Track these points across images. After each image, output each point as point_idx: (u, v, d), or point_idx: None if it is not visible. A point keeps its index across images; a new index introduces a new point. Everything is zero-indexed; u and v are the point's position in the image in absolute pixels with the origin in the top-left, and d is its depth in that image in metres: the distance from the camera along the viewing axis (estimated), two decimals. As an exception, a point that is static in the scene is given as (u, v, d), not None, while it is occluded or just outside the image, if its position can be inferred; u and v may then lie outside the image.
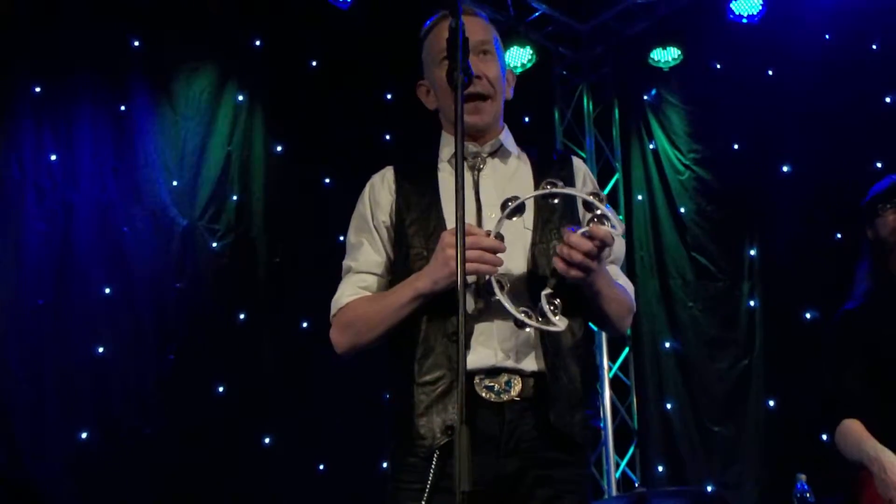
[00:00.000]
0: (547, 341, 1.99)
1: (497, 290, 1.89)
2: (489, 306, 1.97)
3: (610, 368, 6.39)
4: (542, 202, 2.04)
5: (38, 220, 4.67)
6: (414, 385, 1.99)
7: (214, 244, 5.29)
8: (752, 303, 6.01)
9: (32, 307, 4.56)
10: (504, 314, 1.91)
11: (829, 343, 3.01)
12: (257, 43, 5.74)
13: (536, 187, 2.05)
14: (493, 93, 2.17)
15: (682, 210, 6.37)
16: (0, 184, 4.58)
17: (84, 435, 4.58)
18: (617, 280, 2.15)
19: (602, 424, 6.23)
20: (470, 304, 1.98)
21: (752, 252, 6.07)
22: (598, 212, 1.89)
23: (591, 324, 2.18)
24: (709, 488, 5.67)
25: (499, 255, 1.91)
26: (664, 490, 4.86)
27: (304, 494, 5.16)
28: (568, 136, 6.86)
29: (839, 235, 5.57)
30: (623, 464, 6.23)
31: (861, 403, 2.84)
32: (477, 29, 2.18)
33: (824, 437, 2.95)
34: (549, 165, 2.19)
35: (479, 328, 1.98)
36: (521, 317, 1.88)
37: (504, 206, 1.93)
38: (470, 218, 2.05)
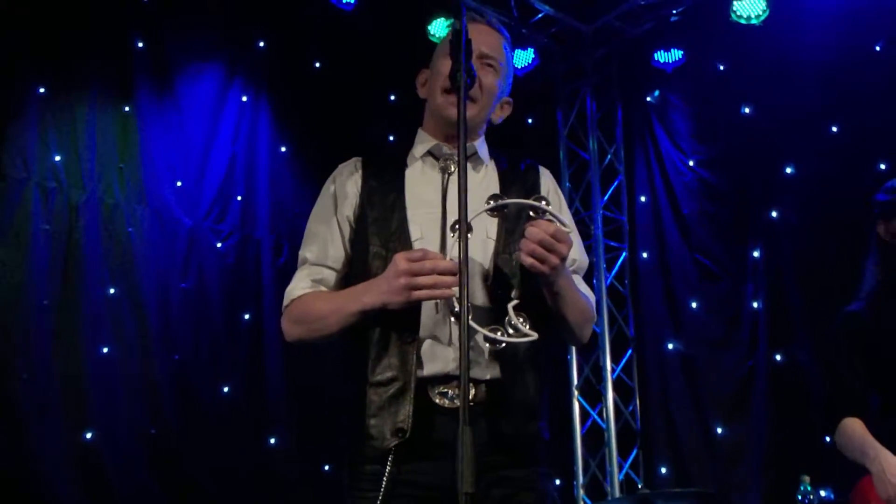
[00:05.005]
0: (505, 349, 1.95)
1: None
2: (444, 315, 1.96)
3: (613, 370, 6.38)
4: (500, 213, 2.02)
5: (43, 220, 4.68)
6: (367, 385, 2.00)
7: (219, 244, 5.30)
8: (755, 304, 6.00)
9: (37, 307, 4.56)
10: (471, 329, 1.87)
11: (831, 343, 2.99)
12: (261, 44, 5.76)
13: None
14: (479, 96, 2.13)
15: (686, 211, 6.36)
16: (5, 184, 4.59)
17: (89, 435, 4.59)
18: (579, 287, 2.14)
19: (605, 425, 6.23)
20: (428, 314, 1.96)
21: (756, 253, 6.05)
22: (547, 216, 1.94)
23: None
24: (712, 490, 5.66)
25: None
26: (667, 492, 4.86)
27: (310, 494, 5.17)
28: (571, 138, 6.86)
29: (843, 237, 5.56)
30: (626, 465, 6.23)
31: (862, 404, 2.83)
32: (488, 42, 2.17)
33: (827, 438, 2.94)
34: (515, 174, 2.19)
35: (432, 336, 1.97)
36: (492, 334, 1.88)
37: (494, 199, 1.97)
38: (434, 221, 2.04)
